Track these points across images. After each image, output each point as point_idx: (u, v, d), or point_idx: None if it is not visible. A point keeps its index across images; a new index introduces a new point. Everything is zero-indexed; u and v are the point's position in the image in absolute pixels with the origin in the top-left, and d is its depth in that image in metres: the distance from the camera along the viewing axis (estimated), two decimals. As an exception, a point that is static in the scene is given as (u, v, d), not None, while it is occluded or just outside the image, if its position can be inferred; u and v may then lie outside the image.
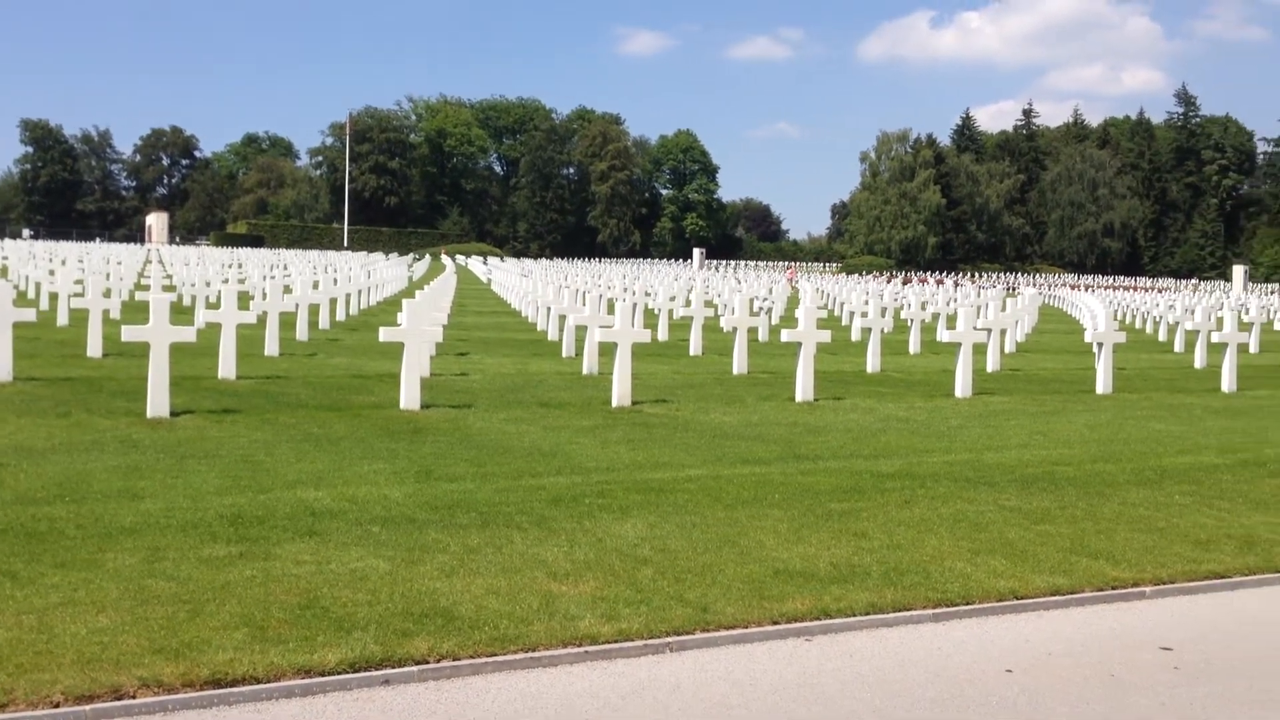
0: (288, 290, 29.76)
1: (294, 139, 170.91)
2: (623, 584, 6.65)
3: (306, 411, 13.05)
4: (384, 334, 13.92)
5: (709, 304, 35.63)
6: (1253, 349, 30.19)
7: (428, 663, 5.41)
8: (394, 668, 5.35)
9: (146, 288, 34.31)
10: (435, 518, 8.05)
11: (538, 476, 9.72)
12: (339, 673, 5.25)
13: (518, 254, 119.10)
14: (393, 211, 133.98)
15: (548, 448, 11.20)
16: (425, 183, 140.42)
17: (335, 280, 33.49)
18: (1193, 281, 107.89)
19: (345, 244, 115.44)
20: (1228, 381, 19.31)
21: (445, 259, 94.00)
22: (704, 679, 5.52)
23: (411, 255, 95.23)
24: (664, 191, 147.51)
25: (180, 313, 26.62)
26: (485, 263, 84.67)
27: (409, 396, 13.46)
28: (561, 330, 23.23)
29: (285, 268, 52.14)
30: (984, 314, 27.11)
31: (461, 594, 6.34)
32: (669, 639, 5.89)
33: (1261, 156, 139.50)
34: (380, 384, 15.75)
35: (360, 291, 36.02)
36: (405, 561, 6.93)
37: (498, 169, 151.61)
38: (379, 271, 48.29)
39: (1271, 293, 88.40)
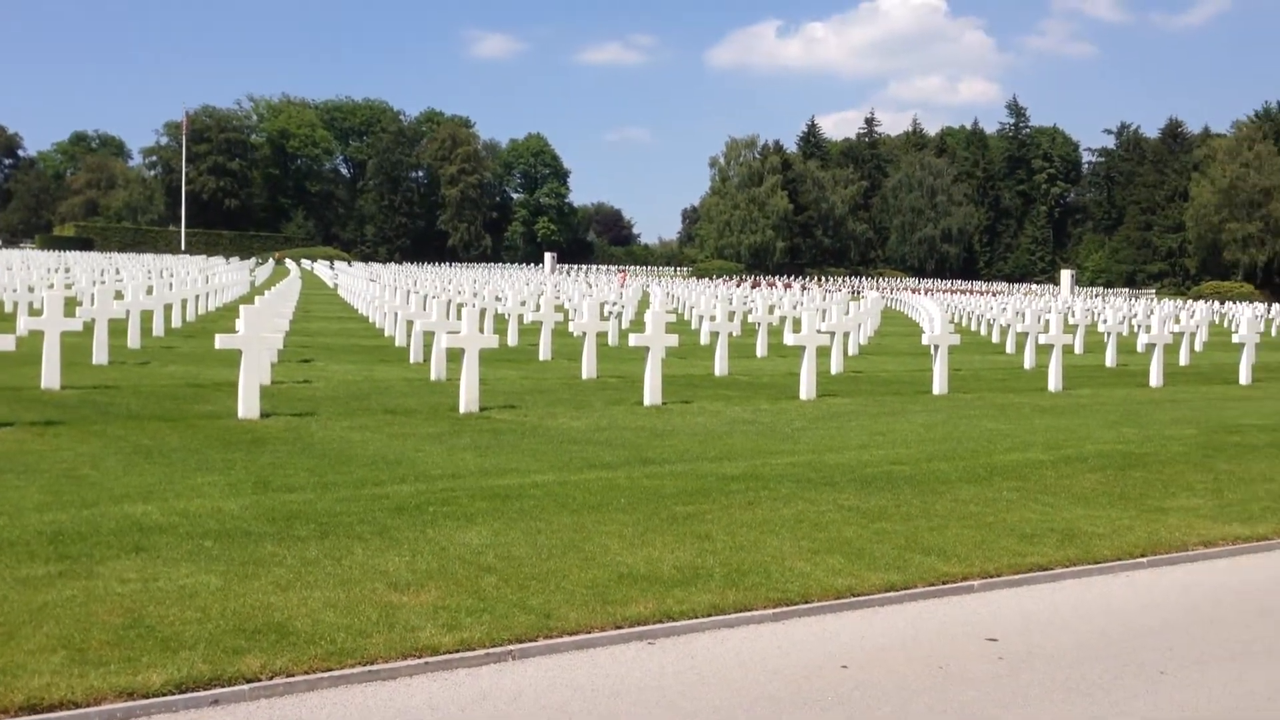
0: (119, 295, 28.55)
1: (126, 138, 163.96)
2: (465, 593, 6.58)
3: (137, 422, 12.54)
4: (220, 340, 13.48)
5: (559, 308, 35.61)
6: (1078, 350, 31.71)
7: (260, 680, 5.24)
8: (224, 687, 5.17)
9: (-35, 293, 32.48)
10: (272, 530, 7.82)
11: (381, 485, 9.54)
12: (165, 694, 5.05)
13: (365, 258, 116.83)
14: (233, 214, 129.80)
15: (392, 455, 11.01)
16: (267, 185, 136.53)
17: (171, 285, 32.32)
18: (1029, 286, 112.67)
19: (183, 247, 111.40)
20: (1054, 381, 20.22)
21: (289, 263, 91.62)
22: (546, 686, 5.49)
23: (254, 259, 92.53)
24: (515, 195, 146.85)
25: (0, 319, 25.27)
26: (332, 267, 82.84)
27: (247, 405, 13.06)
28: (409, 336, 22.90)
29: (117, 272, 50.10)
30: (828, 317, 27.79)
31: (297, 608, 6.17)
32: (511, 647, 5.85)
33: (1086, 166, 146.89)
34: (217, 393, 15.25)
35: (198, 297, 34.82)
36: (238, 576, 6.71)
37: (344, 171, 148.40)
38: (219, 276, 46.78)
39: (1095, 296, 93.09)
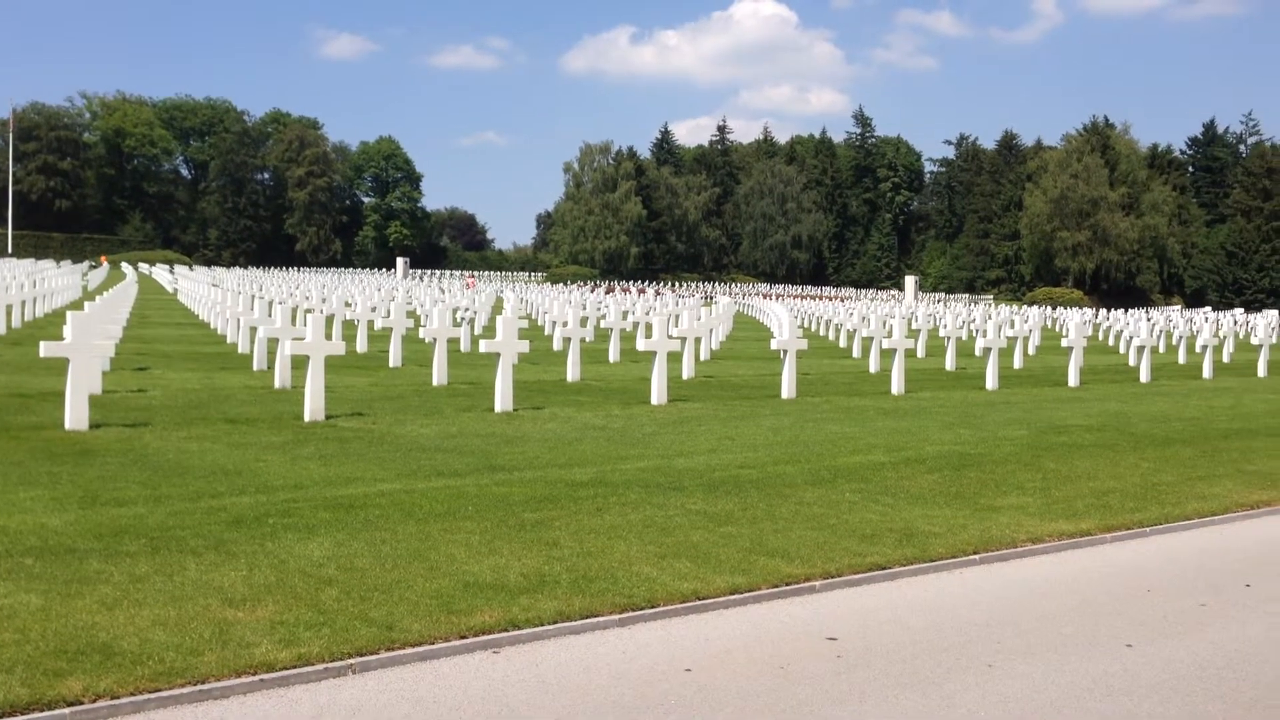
0: (-62, 301, 27.00)
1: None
2: (304, 606, 6.41)
3: (-46, 435, 11.85)
4: (45, 348, 12.87)
5: (411, 314, 35.13)
6: (920, 354, 32.76)
7: (81, 703, 5.01)
8: (42, 711, 4.92)
9: None
10: (99, 546, 7.48)
11: (218, 497, 9.23)
12: (-23, 723, 4.79)
13: (209, 262, 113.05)
14: (65, 216, 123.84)
15: (232, 466, 10.67)
16: (102, 185, 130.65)
17: (-4, 290, 30.67)
18: (875, 291, 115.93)
19: (9, 250, 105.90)
20: (896, 384, 20.83)
21: (126, 267, 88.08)
22: (386, 700, 5.39)
23: (87, 263, 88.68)
24: (366, 199, 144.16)
25: None
26: (172, 271, 79.94)
27: (75, 416, 12.49)
28: (252, 342, 22.24)
29: (-63, 276, 47.29)
30: (679, 323, 28.06)
31: (124, 627, 5.92)
32: (351, 660, 5.72)
33: (928, 175, 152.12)
34: (44, 403, 14.53)
35: (24, 302, 33.16)
36: (61, 595, 6.40)
37: (184, 172, 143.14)
38: (48, 280, 44.64)
39: (938, 301, 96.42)
